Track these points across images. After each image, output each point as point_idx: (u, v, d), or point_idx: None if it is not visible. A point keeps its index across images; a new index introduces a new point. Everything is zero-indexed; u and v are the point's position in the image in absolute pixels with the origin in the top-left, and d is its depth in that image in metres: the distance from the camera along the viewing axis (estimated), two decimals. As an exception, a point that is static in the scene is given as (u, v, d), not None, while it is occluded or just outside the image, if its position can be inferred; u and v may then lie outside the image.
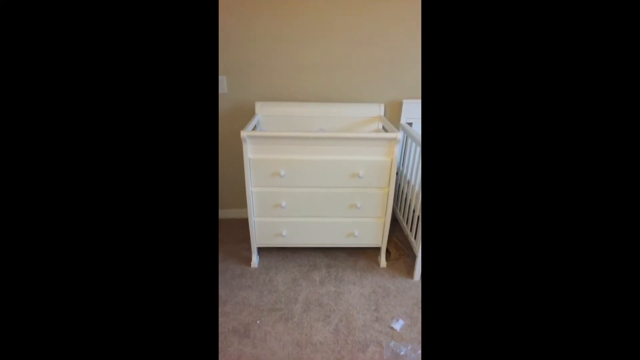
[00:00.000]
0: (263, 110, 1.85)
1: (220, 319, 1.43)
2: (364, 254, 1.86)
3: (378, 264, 1.80)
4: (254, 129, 1.73)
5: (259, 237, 1.71)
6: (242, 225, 2.12)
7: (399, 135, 1.49)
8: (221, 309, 1.48)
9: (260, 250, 1.84)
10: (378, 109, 1.87)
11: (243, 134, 1.45)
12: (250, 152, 1.51)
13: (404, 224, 1.91)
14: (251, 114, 1.92)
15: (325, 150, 1.52)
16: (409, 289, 1.62)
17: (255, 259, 1.76)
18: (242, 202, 2.18)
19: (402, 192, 1.91)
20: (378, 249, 1.82)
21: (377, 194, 1.62)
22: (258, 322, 1.42)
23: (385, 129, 1.83)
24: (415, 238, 1.69)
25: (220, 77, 1.84)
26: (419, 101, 1.89)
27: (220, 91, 1.87)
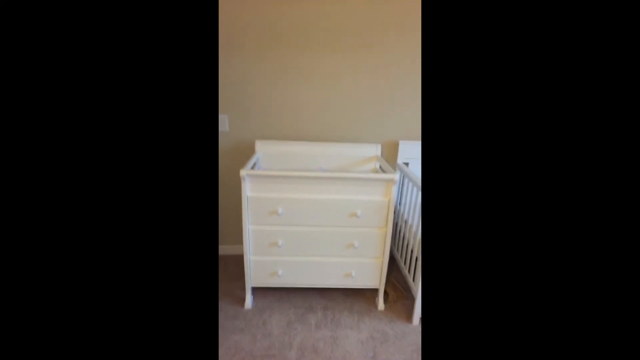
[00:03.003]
0: (263, 149, 1.89)
1: (210, 366, 1.35)
2: (362, 295, 1.81)
3: (376, 306, 1.75)
4: (254, 167, 1.75)
5: (254, 277, 1.66)
6: (237, 262, 2.08)
7: (396, 176, 1.51)
8: (211, 355, 1.40)
9: (255, 290, 1.79)
10: (375, 149, 1.91)
11: (242, 172, 1.47)
12: (249, 190, 1.52)
13: (402, 264, 1.88)
14: (251, 152, 1.95)
15: (324, 190, 1.53)
16: (408, 334, 1.56)
17: (249, 300, 1.70)
18: (236, 239, 2.15)
19: (400, 231, 1.90)
20: (376, 291, 1.77)
21: (374, 233, 1.61)
22: (250, 369, 1.34)
23: (382, 169, 1.87)
24: (413, 280, 1.66)
25: (221, 116, 1.89)
26: (415, 142, 1.94)
27: (221, 129, 1.91)
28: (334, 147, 1.91)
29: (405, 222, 1.81)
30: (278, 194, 1.53)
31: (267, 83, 1.85)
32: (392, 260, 2.02)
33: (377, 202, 1.56)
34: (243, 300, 1.73)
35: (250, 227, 1.57)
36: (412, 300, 1.79)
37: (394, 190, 1.54)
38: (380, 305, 1.73)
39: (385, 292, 1.80)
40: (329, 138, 1.96)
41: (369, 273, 1.68)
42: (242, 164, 1.77)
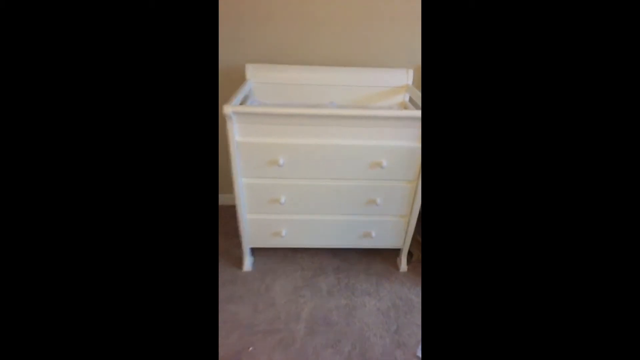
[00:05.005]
0: (256, 76, 1.44)
1: (205, 345, 1.15)
2: (380, 255, 1.55)
3: (397, 267, 1.50)
4: (244, 102, 1.34)
5: (252, 237, 1.39)
6: (234, 214, 1.80)
7: (438, 113, 1.11)
8: (206, 330, 1.20)
9: (255, 250, 1.53)
10: (405, 76, 1.46)
11: (227, 109, 1.07)
12: (238, 134, 1.14)
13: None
14: (240, 80, 1.50)
15: (339, 132, 1.15)
16: (436, 303, 1.33)
17: (248, 262, 1.45)
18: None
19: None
20: (397, 250, 1.51)
21: (403, 188, 1.27)
22: (251, 349, 1.14)
23: (414, 103, 1.44)
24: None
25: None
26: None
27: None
28: (349, 74, 1.45)
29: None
30: (278, 138, 1.15)
31: (258, -20, 1.32)
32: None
33: (409, 149, 1.18)
34: (241, 261, 1.48)
35: (242, 181, 1.24)
36: (439, 260, 1.54)
37: (433, 132, 1.15)
38: (403, 266, 1.48)
39: (409, 252, 1.53)
40: (344, 61, 1.49)
41: (392, 233, 1.39)
42: (227, 98, 1.32)
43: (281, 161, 1.18)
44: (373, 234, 1.37)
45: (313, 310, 1.28)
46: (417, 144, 1.18)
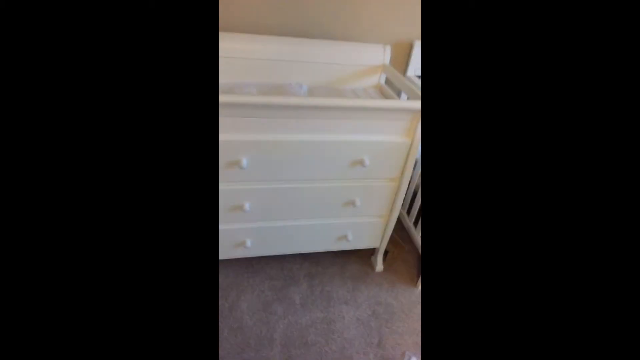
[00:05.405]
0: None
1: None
2: (354, 254, 1.43)
3: (372, 267, 1.39)
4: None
5: (210, 250, 1.16)
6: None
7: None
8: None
9: (213, 259, 1.30)
10: (382, 54, 1.27)
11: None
12: (187, 131, 0.87)
13: (405, 213, 1.49)
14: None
15: (315, 126, 0.95)
16: (415, 305, 1.27)
17: (206, 276, 1.23)
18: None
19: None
20: (372, 250, 1.40)
21: (383, 187, 1.13)
22: (218, 388, 0.96)
23: (390, 86, 1.28)
24: (417, 229, 1.28)
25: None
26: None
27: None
28: (317, 48, 1.22)
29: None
30: (238, 134, 0.92)
31: None
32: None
33: (394, 144, 1.03)
34: (197, 275, 1.25)
35: (196, 188, 0.98)
36: (415, 254, 1.47)
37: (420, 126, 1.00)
38: (379, 266, 1.38)
39: (385, 250, 1.43)
40: (310, 33, 1.25)
41: (369, 233, 1.26)
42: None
43: (244, 162, 0.94)
44: (349, 237, 1.23)
45: (287, 329, 1.13)
46: (405, 139, 1.02)
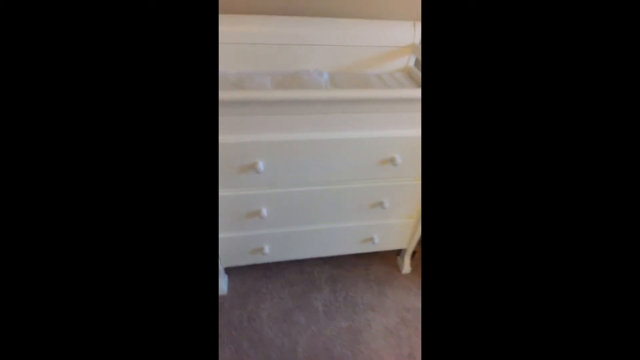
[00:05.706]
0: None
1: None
2: (378, 255, 1.33)
3: (399, 269, 1.30)
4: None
5: (226, 257, 1.07)
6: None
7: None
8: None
9: (230, 269, 1.22)
10: (412, 31, 1.11)
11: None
12: (195, 133, 0.76)
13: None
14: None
15: (339, 122, 0.82)
16: (448, 310, 1.17)
17: (222, 283, 1.15)
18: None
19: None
20: (399, 249, 1.29)
21: (414, 186, 1.01)
22: (240, 409, 0.89)
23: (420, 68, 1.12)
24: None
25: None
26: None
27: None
28: (337, 28, 1.07)
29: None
30: (252, 135, 0.80)
31: None
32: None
33: (431, 139, 0.89)
34: (213, 282, 1.17)
35: (207, 195, 0.88)
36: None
37: (463, 118, 0.87)
38: (406, 268, 1.28)
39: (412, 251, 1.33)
40: (329, 12, 1.10)
41: (398, 235, 1.16)
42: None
43: (260, 166, 0.83)
44: (376, 240, 1.13)
45: (311, 340, 1.05)
46: (441, 134, 0.89)
